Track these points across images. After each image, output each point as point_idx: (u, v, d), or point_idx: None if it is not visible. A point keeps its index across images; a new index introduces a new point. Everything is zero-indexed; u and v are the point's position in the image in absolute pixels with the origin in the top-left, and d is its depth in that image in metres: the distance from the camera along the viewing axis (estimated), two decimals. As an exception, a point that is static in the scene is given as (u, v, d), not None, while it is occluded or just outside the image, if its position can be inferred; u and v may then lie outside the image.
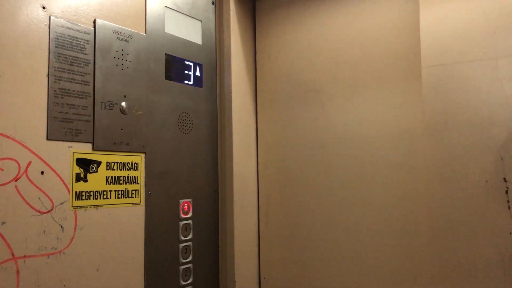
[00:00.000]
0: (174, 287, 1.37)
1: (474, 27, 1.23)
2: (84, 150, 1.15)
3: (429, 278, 1.27)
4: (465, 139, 1.22)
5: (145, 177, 1.31)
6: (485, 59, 1.21)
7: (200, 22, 1.55)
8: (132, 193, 1.26)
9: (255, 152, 1.71)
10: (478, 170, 1.20)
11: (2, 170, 0.98)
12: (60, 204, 1.08)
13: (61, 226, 1.08)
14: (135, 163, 1.28)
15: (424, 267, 1.32)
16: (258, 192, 1.70)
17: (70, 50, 1.13)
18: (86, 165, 1.15)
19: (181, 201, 1.42)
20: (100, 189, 1.18)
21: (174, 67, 1.43)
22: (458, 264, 1.21)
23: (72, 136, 1.12)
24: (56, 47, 1.10)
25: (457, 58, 1.25)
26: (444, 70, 1.26)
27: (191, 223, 1.45)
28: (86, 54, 1.17)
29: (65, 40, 1.12)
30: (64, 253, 1.08)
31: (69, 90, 1.12)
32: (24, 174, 1.01)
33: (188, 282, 1.41)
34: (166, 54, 1.40)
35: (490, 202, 1.18)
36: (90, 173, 1.16)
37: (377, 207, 1.42)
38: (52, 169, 1.07)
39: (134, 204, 1.27)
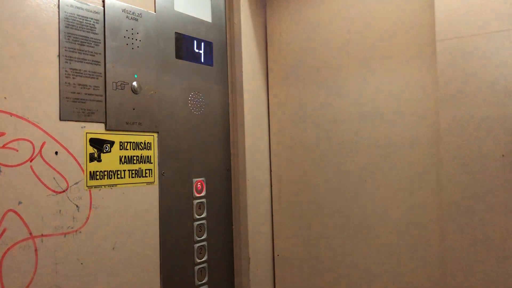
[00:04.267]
0: (189, 265, 1.39)
1: (491, -2, 1.20)
2: (97, 130, 1.16)
3: (443, 254, 1.26)
4: (480, 113, 1.20)
5: (158, 157, 1.31)
6: (503, 31, 1.17)
7: (209, 0, 1.53)
8: (146, 173, 1.27)
9: (267, 130, 1.70)
10: (494, 144, 1.18)
11: (17, 151, 0.99)
12: (75, 184, 1.09)
13: (77, 206, 1.09)
14: (148, 142, 1.28)
15: (438, 243, 1.31)
16: (270, 170, 1.70)
17: (80, 30, 1.13)
18: (99, 145, 1.16)
19: (195, 180, 1.43)
20: (114, 169, 1.19)
21: (184, 46, 1.42)
22: (474, 239, 1.20)
23: (85, 116, 1.12)
24: (66, 27, 1.09)
25: (473, 31, 1.22)
26: (460, 43, 1.24)
27: (205, 201, 1.46)
28: (96, 33, 1.16)
29: (74, 20, 1.11)
30: (80, 232, 1.10)
31: (80, 70, 1.12)
32: (39, 154, 1.02)
33: (202, 260, 1.43)
34: (176, 32, 1.39)
35: (507, 176, 1.16)
36: (104, 153, 1.17)
37: (391, 183, 1.41)
38: (66, 150, 1.08)
39: (148, 183, 1.28)
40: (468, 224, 1.21)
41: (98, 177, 1.15)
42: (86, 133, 1.13)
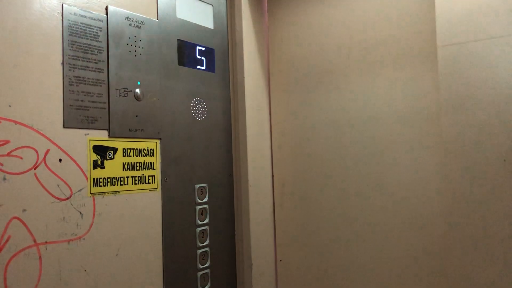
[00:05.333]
0: (192, 270, 1.39)
1: (492, 4, 1.20)
2: (101, 137, 1.16)
3: (445, 257, 1.27)
4: (482, 118, 1.20)
5: (161, 163, 1.32)
6: (504, 36, 1.18)
7: (211, 6, 1.54)
8: (148, 179, 1.27)
9: (269, 135, 1.71)
10: (495, 149, 1.18)
11: (21, 158, 0.99)
12: (78, 191, 1.10)
13: (80, 213, 1.10)
14: (150, 149, 1.29)
15: (439, 246, 1.32)
16: (272, 176, 1.70)
17: (84, 38, 1.13)
18: (103, 152, 1.16)
19: (197, 186, 1.43)
20: (117, 176, 1.20)
21: (187, 52, 1.43)
22: (475, 243, 1.20)
23: (88, 123, 1.13)
24: (69, 35, 1.10)
25: (474, 36, 1.22)
26: (461, 49, 1.24)
27: (207, 207, 1.46)
28: (99, 41, 1.17)
29: (78, 28, 1.12)
30: (84, 239, 1.10)
31: (83, 78, 1.13)
32: (43, 162, 1.03)
33: (205, 265, 1.43)
34: (178, 39, 1.40)
35: (508, 181, 1.17)
36: (107, 160, 1.17)
37: (393, 188, 1.41)
38: (70, 157, 1.09)
39: (151, 189, 1.28)
40: (470, 229, 1.21)
41: (101, 184, 1.15)
42: (90, 140, 1.13)
